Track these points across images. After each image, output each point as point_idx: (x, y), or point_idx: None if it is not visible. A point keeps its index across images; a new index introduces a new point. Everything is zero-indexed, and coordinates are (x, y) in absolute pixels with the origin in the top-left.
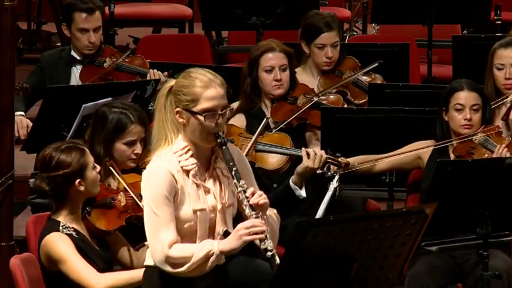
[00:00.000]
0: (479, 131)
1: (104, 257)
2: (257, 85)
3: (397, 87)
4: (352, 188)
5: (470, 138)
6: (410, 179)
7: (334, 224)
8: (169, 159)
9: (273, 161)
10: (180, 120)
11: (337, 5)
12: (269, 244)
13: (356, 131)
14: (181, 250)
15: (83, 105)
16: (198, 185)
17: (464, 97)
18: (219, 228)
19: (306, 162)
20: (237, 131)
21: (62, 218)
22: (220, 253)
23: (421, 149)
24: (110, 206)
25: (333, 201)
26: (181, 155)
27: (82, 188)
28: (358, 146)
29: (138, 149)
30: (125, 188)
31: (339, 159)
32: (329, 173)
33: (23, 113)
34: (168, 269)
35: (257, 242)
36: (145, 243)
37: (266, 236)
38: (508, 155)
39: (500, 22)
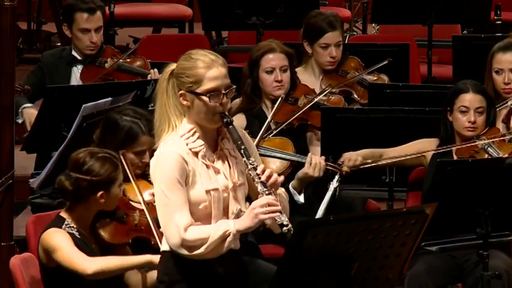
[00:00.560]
0: (482, 133)
1: None
2: (257, 86)
3: (397, 87)
4: (352, 188)
5: (474, 144)
6: (410, 178)
7: (334, 224)
8: (177, 143)
9: (274, 166)
10: (184, 103)
11: (337, 5)
12: (284, 219)
13: (356, 131)
14: (197, 232)
15: (83, 105)
16: (207, 166)
17: (469, 99)
18: (233, 207)
19: (307, 169)
20: None
21: (69, 217)
22: (236, 232)
23: (425, 152)
24: (121, 221)
25: (333, 201)
26: (188, 138)
27: (102, 201)
28: (358, 146)
29: (146, 158)
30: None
31: (341, 168)
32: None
33: (30, 104)
34: (184, 252)
35: (269, 220)
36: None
37: (281, 212)
38: None
39: (500, 22)
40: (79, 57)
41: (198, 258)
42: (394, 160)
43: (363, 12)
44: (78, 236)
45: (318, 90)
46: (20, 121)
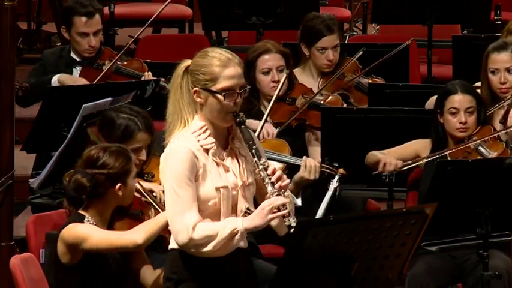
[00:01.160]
0: (474, 133)
1: (119, 264)
2: (255, 87)
3: (397, 87)
4: (352, 188)
5: (467, 146)
6: (410, 178)
7: (334, 224)
8: (188, 139)
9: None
10: (198, 100)
11: (337, 5)
12: (293, 221)
13: (356, 131)
14: (205, 230)
15: (83, 105)
16: (218, 164)
17: (459, 100)
18: (242, 206)
19: (302, 173)
20: None
21: (89, 215)
22: (244, 230)
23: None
24: (137, 218)
25: (333, 201)
26: (199, 135)
27: (120, 193)
28: (358, 146)
29: (143, 155)
30: (156, 207)
31: (337, 170)
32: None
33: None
34: (192, 250)
35: (275, 222)
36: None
37: (289, 213)
38: None
39: (500, 22)
40: (77, 59)
41: (206, 256)
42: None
43: (363, 12)
44: None
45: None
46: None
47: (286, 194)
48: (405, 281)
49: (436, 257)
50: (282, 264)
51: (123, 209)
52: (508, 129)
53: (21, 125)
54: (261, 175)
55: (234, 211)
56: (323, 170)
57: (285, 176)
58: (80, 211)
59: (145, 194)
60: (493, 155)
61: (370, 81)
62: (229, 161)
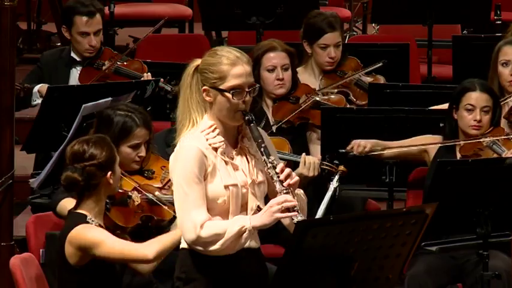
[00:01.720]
0: (487, 132)
1: (124, 264)
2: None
3: (397, 87)
4: (352, 188)
5: (478, 141)
6: (410, 178)
7: (334, 224)
8: (197, 138)
9: None
10: (207, 98)
11: (337, 5)
12: (301, 218)
13: (356, 131)
14: (213, 228)
15: (83, 105)
16: (226, 162)
17: (476, 98)
18: (252, 204)
19: (301, 169)
20: None
21: (87, 212)
22: (252, 228)
23: (431, 144)
24: (126, 204)
25: (333, 201)
26: (208, 133)
27: (111, 181)
28: None
29: (142, 151)
30: (135, 187)
31: (337, 167)
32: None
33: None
34: (200, 248)
35: (286, 221)
36: None
37: (298, 211)
38: None
39: (500, 22)
40: (78, 59)
41: (214, 254)
42: (399, 150)
43: (363, 12)
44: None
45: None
46: (38, 101)
47: (296, 192)
48: (405, 281)
49: (436, 257)
50: (282, 264)
51: (111, 199)
52: None
53: (21, 125)
54: (269, 173)
55: (244, 209)
56: (323, 167)
57: (294, 174)
58: (78, 210)
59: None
60: (508, 153)
61: (371, 79)
62: (238, 160)
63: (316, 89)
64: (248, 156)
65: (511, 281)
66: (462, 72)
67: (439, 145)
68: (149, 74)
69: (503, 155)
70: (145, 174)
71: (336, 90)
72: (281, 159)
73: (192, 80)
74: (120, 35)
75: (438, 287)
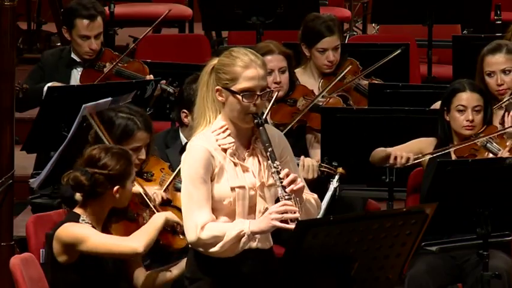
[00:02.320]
0: (480, 131)
1: (115, 262)
2: (272, 89)
3: (397, 87)
4: (352, 188)
5: (473, 142)
6: (410, 178)
7: (334, 224)
8: (207, 138)
9: None
10: (220, 98)
11: (337, 5)
12: None
13: (356, 131)
14: (213, 230)
15: (83, 105)
16: (235, 164)
17: (466, 98)
18: (260, 206)
19: (300, 172)
20: None
21: (84, 213)
22: (251, 233)
23: (426, 154)
24: (132, 220)
25: (333, 201)
26: (218, 134)
27: (117, 196)
28: (358, 146)
29: (142, 154)
30: (152, 209)
31: (336, 169)
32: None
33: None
34: (200, 249)
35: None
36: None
37: (297, 218)
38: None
39: (500, 22)
40: (78, 60)
41: (215, 256)
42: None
43: (363, 12)
44: None
45: (316, 92)
46: None
47: (307, 198)
48: (405, 281)
49: (436, 257)
50: (282, 264)
51: (119, 211)
52: (508, 129)
53: (21, 125)
54: (273, 178)
55: (252, 211)
56: (322, 169)
57: (299, 180)
58: (76, 210)
59: (144, 196)
60: (503, 151)
61: (369, 82)
62: (250, 161)
63: (315, 90)
64: (260, 158)
65: (511, 281)
66: (462, 72)
67: (434, 147)
68: (151, 75)
69: (498, 154)
70: (145, 177)
71: (336, 95)
72: None
73: (209, 78)
74: (120, 35)
75: (438, 287)
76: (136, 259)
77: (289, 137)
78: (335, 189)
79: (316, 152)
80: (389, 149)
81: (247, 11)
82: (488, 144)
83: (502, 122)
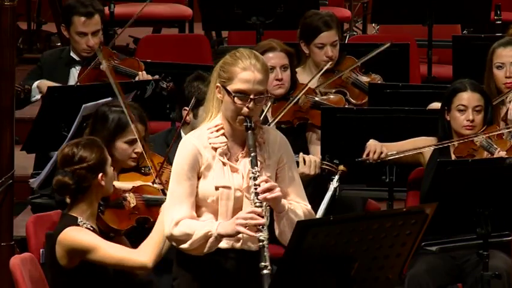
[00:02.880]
0: (480, 131)
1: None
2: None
3: (397, 87)
4: (352, 188)
5: (471, 139)
6: (410, 178)
7: (334, 224)
8: (200, 134)
9: None
10: (218, 95)
11: (337, 5)
12: (263, 235)
13: (356, 131)
14: (185, 227)
15: (83, 105)
16: (224, 163)
17: (467, 98)
18: (246, 209)
19: (302, 168)
20: None
21: (79, 214)
22: (218, 235)
23: (423, 148)
24: (121, 206)
25: (333, 201)
26: (212, 132)
27: (103, 183)
28: (358, 146)
29: (138, 147)
30: (132, 189)
31: (337, 166)
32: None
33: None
34: (174, 244)
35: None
36: None
37: (262, 227)
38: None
39: (500, 22)
40: (77, 58)
41: (187, 252)
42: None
43: (363, 12)
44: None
45: (316, 91)
46: (38, 97)
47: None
48: (405, 281)
49: (436, 257)
50: (282, 264)
51: (106, 204)
52: (507, 129)
53: (21, 125)
54: (249, 183)
55: (238, 213)
56: (323, 167)
57: (277, 189)
58: (70, 213)
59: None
60: (501, 152)
61: (368, 79)
62: (242, 163)
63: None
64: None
65: (511, 281)
66: (462, 72)
67: (434, 147)
68: (144, 72)
69: (494, 154)
70: (142, 171)
71: (334, 90)
72: None
73: (216, 75)
74: (120, 35)
75: (438, 287)
76: (122, 243)
77: (291, 135)
78: (335, 189)
79: (316, 149)
80: (371, 142)
81: (247, 11)
82: (485, 144)
83: (505, 119)
